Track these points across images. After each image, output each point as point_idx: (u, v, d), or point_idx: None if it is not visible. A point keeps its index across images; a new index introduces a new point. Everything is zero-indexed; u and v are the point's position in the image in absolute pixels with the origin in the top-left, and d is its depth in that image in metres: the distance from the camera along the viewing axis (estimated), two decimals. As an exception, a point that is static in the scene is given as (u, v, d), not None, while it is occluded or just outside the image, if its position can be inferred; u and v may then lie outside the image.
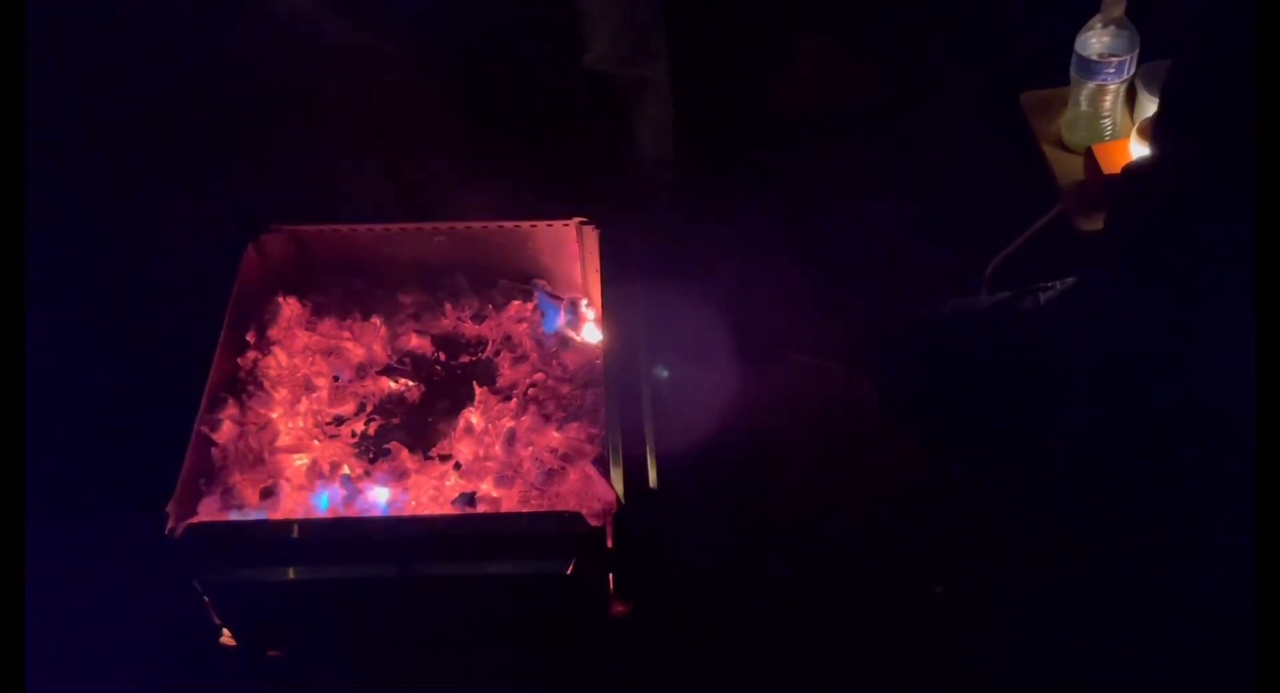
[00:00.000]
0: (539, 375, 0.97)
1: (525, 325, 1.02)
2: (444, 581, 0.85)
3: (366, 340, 1.01)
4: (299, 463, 0.93)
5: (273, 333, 1.00)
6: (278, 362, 0.98)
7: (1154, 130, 0.83)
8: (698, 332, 1.15)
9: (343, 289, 1.04)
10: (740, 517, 1.05)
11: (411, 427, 0.96)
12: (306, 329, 1.02)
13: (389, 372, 1.00)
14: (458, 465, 0.92)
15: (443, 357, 1.01)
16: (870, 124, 1.34)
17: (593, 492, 0.87)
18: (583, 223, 1.00)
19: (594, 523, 0.81)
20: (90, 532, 0.98)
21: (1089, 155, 1.02)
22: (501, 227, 1.02)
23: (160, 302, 1.09)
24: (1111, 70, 1.01)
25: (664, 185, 1.27)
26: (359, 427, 0.96)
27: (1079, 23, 1.01)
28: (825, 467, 1.09)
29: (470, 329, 1.03)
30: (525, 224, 1.02)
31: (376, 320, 1.02)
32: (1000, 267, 1.15)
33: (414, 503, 0.89)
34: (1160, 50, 1.02)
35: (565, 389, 0.96)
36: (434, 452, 0.94)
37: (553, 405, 0.95)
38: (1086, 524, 0.95)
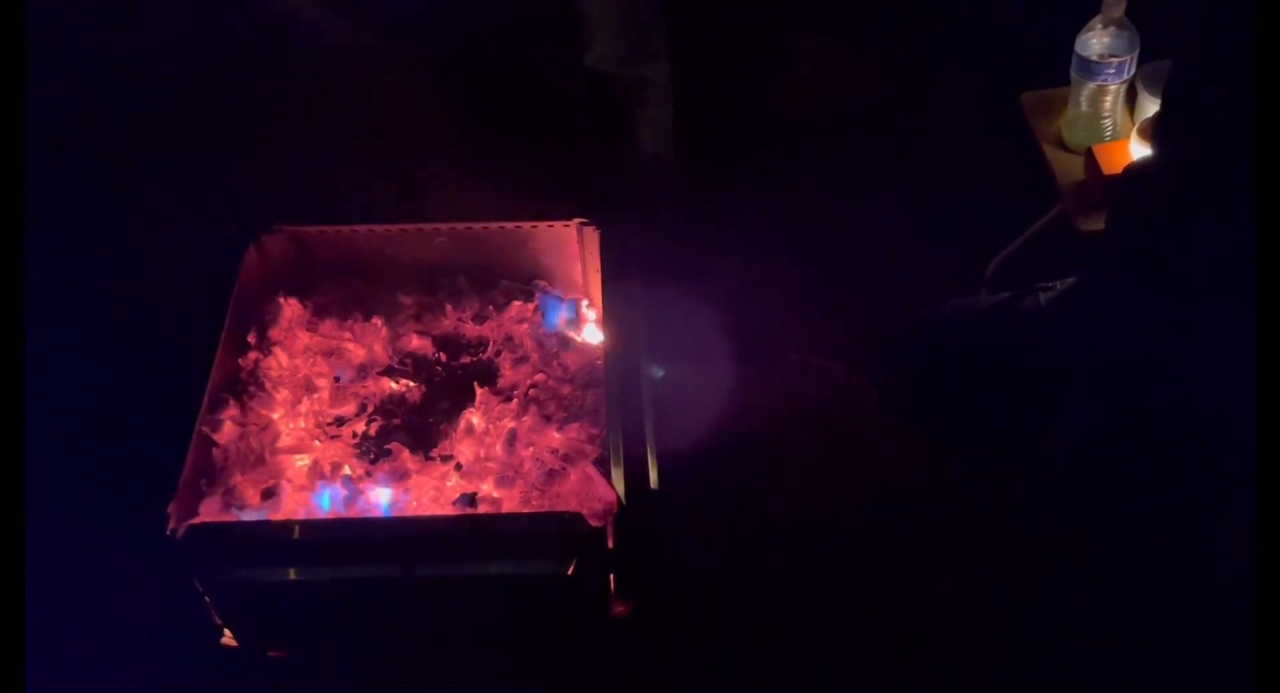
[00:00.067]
0: (540, 376, 0.97)
1: (526, 326, 1.02)
2: (445, 581, 0.85)
3: (367, 341, 1.01)
4: (300, 464, 0.93)
5: (274, 334, 1.00)
6: (279, 362, 0.98)
7: (1156, 131, 0.83)
8: (698, 332, 1.15)
9: (344, 290, 1.04)
10: (740, 517, 1.05)
11: (412, 427, 0.96)
12: (307, 330, 1.02)
13: (390, 372, 1.00)
14: (459, 466, 0.93)
15: (444, 357, 1.01)
16: (871, 124, 1.34)
17: (593, 492, 0.87)
18: (583, 223, 1.01)
19: (595, 523, 0.81)
20: (91, 532, 0.98)
21: (1089, 156, 1.02)
22: (502, 227, 1.02)
23: (161, 302, 1.09)
24: (1112, 71, 1.01)
25: (665, 186, 1.27)
26: (360, 427, 0.96)
27: (1079, 23, 1.01)
28: (825, 467, 1.09)
29: (471, 330, 1.03)
30: (526, 225, 1.02)
31: (377, 321, 1.02)
32: (1000, 267, 1.15)
33: (415, 503, 0.89)
34: (1160, 51, 1.02)
35: (566, 390, 0.96)
36: (435, 452, 0.94)
37: (553, 406, 0.95)
38: (1086, 524, 0.95)
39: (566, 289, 1.05)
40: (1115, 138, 1.05)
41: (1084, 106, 1.05)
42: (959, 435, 1.03)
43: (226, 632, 0.90)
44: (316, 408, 0.96)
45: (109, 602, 0.96)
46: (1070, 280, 0.94)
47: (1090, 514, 0.95)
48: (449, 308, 1.04)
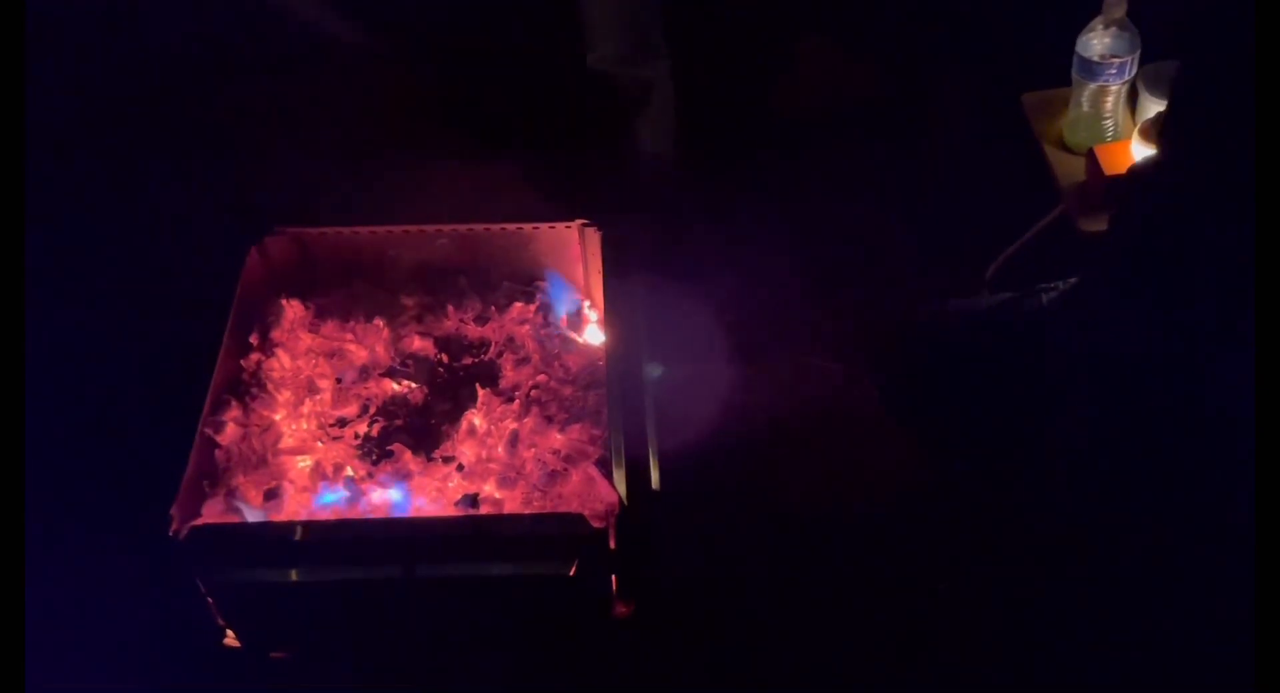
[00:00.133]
0: (541, 377, 0.98)
1: (528, 327, 1.02)
2: (447, 582, 0.85)
3: (369, 342, 1.01)
4: (302, 465, 0.93)
5: (276, 335, 1.00)
6: (281, 364, 0.98)
7: (1160, 132, 0.83)
8: (700, 332, 1.15)
9: (345, 291, 1.04)
10: (742, 517, 1.05)
11: (414, 428, 0.96)
12: (309, 331, 1.02)
13: (392, 374, 1.00)
14: (460, 467, 0.93)
15: (445, 359, 1.02)
16: (872, 125, 1.34)
17: (595, 493, 0.87)
18: (585, 224, 1.01)
19: (596, 524, 0.81)
20: (94, 534, 0.98)
21: (1090, 156, 1.02)
22: (504, 228, 1.02)
23: (163, 304, 1.10)
24: (1113, 71, 1.01)
25: (666, 186, 1.27)
26: (362, 428, 0.96)
27: (1080, 24, 1.01)
28: (826, 467, 1.09)
29: (473, 331, 1.03)
30: (528, 226, 1.02)
31: (379, 322, 1.03)
32: (1002, 267, 1.15)
33: (417, 504, 0.89)
34: (1161, 52, 1.03)
35: (568, 391, 0.96)
36: (437, 453, 0.94)
37: (555, 407, 0.95)
38: (1086, 524, 0.96)
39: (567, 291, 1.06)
40: (1116, 138, 1.05)
41: (1085, 107, 1.05)
42: (960, 435, 1.03)
43: (229, 633, 0.90)
44: (318, 409, 0.97)
45: (111, 603, 0.96)
46: (1072, 281, 0.94)
47: (1090, 514, 0.95)
48: (450, 309, 1.04)
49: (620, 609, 0.90)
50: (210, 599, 0.86)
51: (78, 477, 1.02)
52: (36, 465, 0.81)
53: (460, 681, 0.92)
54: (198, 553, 0.82)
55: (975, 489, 1.04)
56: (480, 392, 0.96)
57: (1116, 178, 0.99)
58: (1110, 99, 1.04)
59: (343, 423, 0.96)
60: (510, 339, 1.02)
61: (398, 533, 0.85)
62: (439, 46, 1.12)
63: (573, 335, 1.01)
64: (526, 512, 0.88)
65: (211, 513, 0.87)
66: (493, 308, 1.04)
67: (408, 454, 0.93)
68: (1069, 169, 1.06)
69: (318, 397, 0.97)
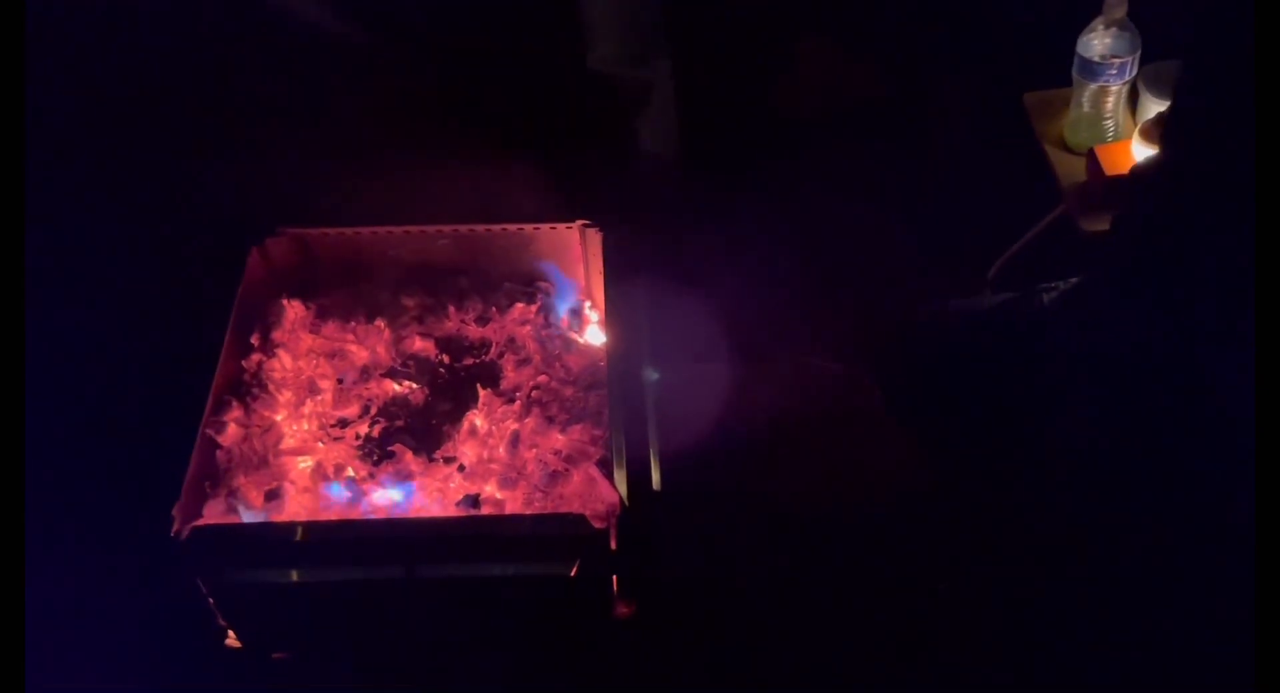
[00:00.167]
0: (542, 378, 0.98)
1: (529, 328, 1.03)
2: (448, 582, 0.86)
3: (370, 343, 1.01)
4: (303, 465, 0.93)
5: (277, 336, 1.00)
6: (282, 364, 0.98)
7: (1162, 132, 0.83)
8: (701, 333, 1.15)
9: (346, 292, 1.04)
10: (742, 517, 1.05)
11: (415, 429, 0.96)
12: (310, 332, 1.02)
13: (393, 374, 1.00)
14: (461, 468, 0.93)
15: (446, 359, 1.02)
16: (872, 125, 1.34)
17: (596, 494, 0.87)
18: (586, 225, 1.01)
19: (597, 525, 0.81)
20: (95, 534, 0.98)
21: (1091, 156, 1.02)
22: (505, 229, 1.02)
23: (165, 304, 1.10)
24: (1113, 72, 1.01)
25: (667, 187, 1.27)
26: (363, 429, 0.96)
27: (1081, 24, 1.01)
28: (827, 467, 1.10)
29: (474, 332, 1.03)
30: (529, 227, 1.02)
31: (380, 323, 1.03)
32: (1004, 267, 1.15)
33: (418, 505, 0.90)
34: (1162, 52, 1.03)
35: (569, 391, 0.97)
36: (438, 454, 0.94)
37: (556, 408, 0.95)
38: (1086, 524, 0.96)
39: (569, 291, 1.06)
40: (1117, 139, 1.05)
41: (1086, 107, 1.05)
42: (961, 435, 1.03)
43: (230, 633, 0.91)
44: (320, 410, 0.97)
45: (112, 603, 0.96)
46: (1073, 281, 0.94)
47: (1090, 514, 0.95)
48: (451, 310, 1.04)
49: (621, 610, 0.90)
50: (211, 600, 0.87)
51: (79, 477, 1.02)
52: (38, 466, 0.81)
53: (461, 681, 0.92)
54: (199, 554, 0.82)
55: (975, 489, 1.04)
56: (481, 392, 0.97)
57: (1117, 178, 0.99)
58: (1111, 99, 1.04)
59: (344, 424, 0.97)
60: (511, 340, 1.02)
61: (399, 534, 0.85)
62: (439, 46, 1.12)
63: (574, 336, 1.02)
64: (527, 512, 0.88)
65: (213, 514, 0.87)
66: (494, 309, 1.04)
67: (409, 455, 0.93)
68: (1070, 169, 1.06)
69: (319, 397, 0.97)
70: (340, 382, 0.99)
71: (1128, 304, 0.85)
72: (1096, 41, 1.01)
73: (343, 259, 1.04)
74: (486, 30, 1.11)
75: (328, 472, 0.92)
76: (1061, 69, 1.05)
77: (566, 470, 0.91)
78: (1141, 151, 0.99)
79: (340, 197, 1.06)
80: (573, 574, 0.83)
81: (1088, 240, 1.01)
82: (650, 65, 1.18)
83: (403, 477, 0.91)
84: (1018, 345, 0.96)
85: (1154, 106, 1.03)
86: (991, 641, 0.96)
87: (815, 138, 1.33)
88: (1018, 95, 1.12)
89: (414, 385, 0.99)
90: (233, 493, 0.89)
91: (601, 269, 1.00)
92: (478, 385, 0.97)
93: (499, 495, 0.90)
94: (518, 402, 0.96)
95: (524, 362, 1.00)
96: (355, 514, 0.89)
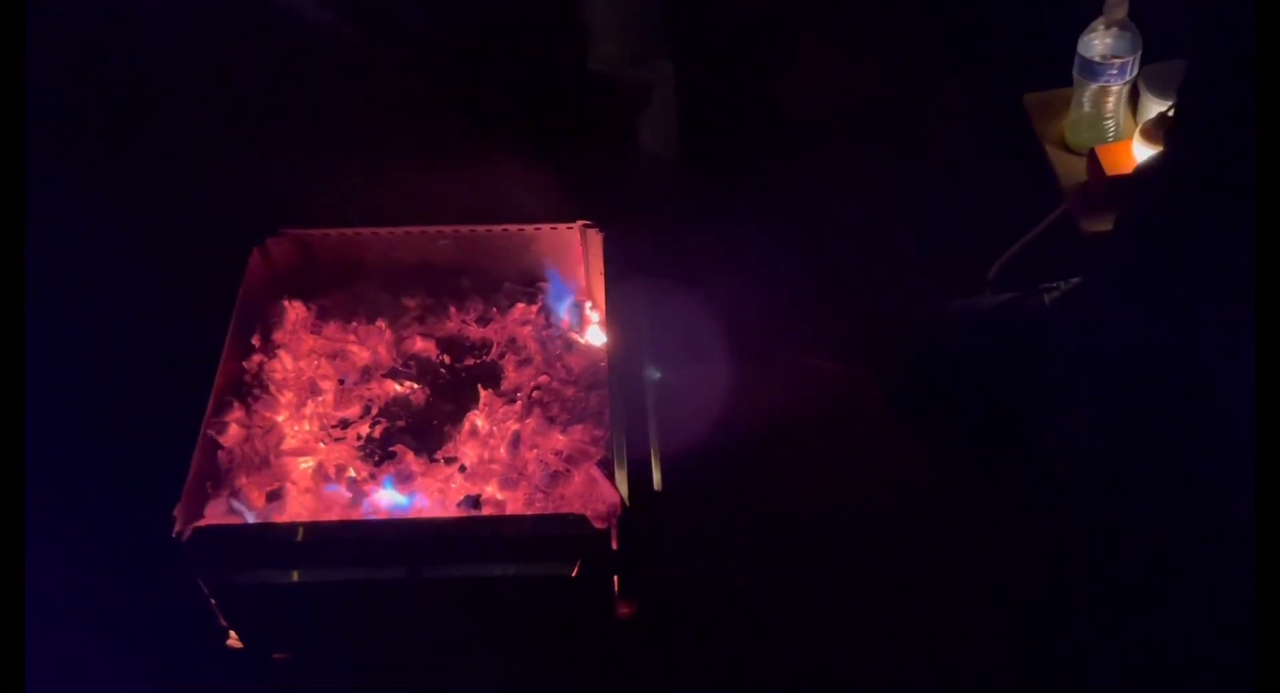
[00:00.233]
0: (543, 378, 0.98)
1: (530, 328, 1.03)
2: (449, 583, 0.86)
3: (371, 343, 1.01)
4: (305, 466, 0.93)
5: (278, 336, 1.00)
6: (283, 365, 0.98)
7: (1168, 132, 0.83)
8: (701, 333, 1.15)
9: (347, 292, 1.05)
10: (743, 518, 1.06)
11: (417, 430, 0.96)
12: (311, 332, 1.02)
13: (394, 375, 1.00)
14: (463, 468, 0.93)
15: (447, 360, 1.02)
16: (873, 125, 1.34)
17: (597, 494, 0.87)
18: (586, 226, 1.01)
19: (599, 525, 0.81)
20: (97, 535, 0.98)
21: (1092, 157, 1.02)
22: (505, 229, 1.02)
23: (166, 305, 1.10)
24: (1114, 72, 1.01)
25: (667, 187, 1.27)
26: (364, 430, 0.96)
27: (1082, 24, 1.01)
28: (828, 467, 1.10)
29: (475, 332, 1.04)
30: (529, 227, 1.02)
31: (381, 324, 1.03)
32: (1004, 267, 1.15)
33: (419, 506, 0.90)
34: (1163, 52, 1.03)
35: (570, 392, 0.97)
36: (439, 454, 0.94)
37: (557, 408, 0.95)
38: (1086, 524, 0.96)
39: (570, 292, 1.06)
40: (1118, 139, 1.05)
41: (1086, 108, 1.05)
42: (961, 435, 1.03)
43: (232, 634, 0.91)
44: (321, 410, 0.97)
45: (114, 604, 0.97)
46: (1074, 281, 0.94)
47: (1090, 514, 0.95)
48: (453, 310, 1.04)
49: (622, 610, 0.90)
50: (213, 600, 0.87)
51: (81, 478, 1.02)
52: (40, 467, 0.81)
53: (462, 681, 0.93)
54: (200, 554, 0.82)
55: (975, 489, 1.04)
56: (482, 393, 0.97)
57: (1118, 178, 0.99)
58: (1112, 99, 1.04)
59: (345, 424, 0.97)
60: (512, 340, 1.02)
61: (400, 534, 0.85)
62: (439, 46, 1.12)
63: (575, 336, 1.02)
64: (529, 513, 0.88)
65: (214, 514, 0.87)
66: (494, 309, 1.04)
67: (410, 455, 0.93)
68: (1070, 169, 1.06)
69: (320, 398, 0.97)
70: (341, 382, 0.99)
71: (1128, 304, 0.85)
72: (1097, 41, 1.01)
73: (344, 260, 1.04)
74: (486, 30, 1.11)
75: (329, 472, 0.92)
76: (1062, 69, 1.05)
77: (567, 471, 0.91)
78: (1142, 152, 0.99)
79: (341, 197, 1.06)
80: (574, 575, 0.83)
81: (1088, 241, 1.01)
82: (650, 66, 1.18)
83: (404, 478, 0.91)
84: (1018, 345, 0.96)
85: (1155, 107, 1.03)
86: (991, 641, 0.96)
87: (815, 138, 1.33)
88: (1018, 95, 1.12)
89: (415, 386, 1.00)
90: (234, 494, 0.89)
91: (602, 269, 1.00)
92: (479, 386, 0.97)
93: (500, 496, 0.90)
94: (519, 402, 0.96)
95: (525, 362, 1.00)
96: (356, 515, 0.89)
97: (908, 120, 1.34)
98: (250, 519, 0.87)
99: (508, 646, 0.93)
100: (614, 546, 0.83)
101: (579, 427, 0.93)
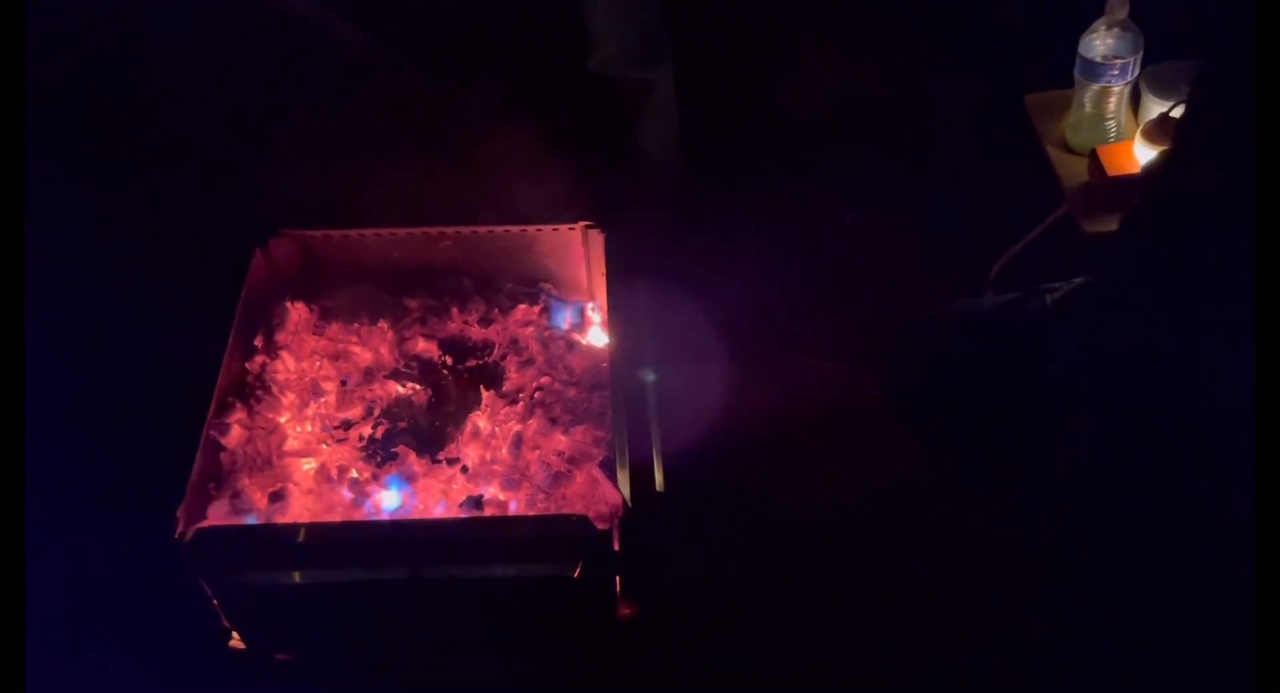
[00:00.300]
0: (545, 379, 0.98)
1: (531, 329, 1.03)
2: (451, 584, 0.86)
3: (374, 345, 1.02)
4: (307, 467, 0.93)
5: (280, 338, 1.00)
6: (285, 366, 0.98)
7: (1179, 133, 0.83)
8: (703, 334, 1.15)
9: (350, 294, 1.05)
10: (745, 518, 1.06)
11: (419, 430, 0.96)
12: (314, 334, 1.02)
13: (396, 376, 1.00)
14: (465, 469, 0.93)
15: (449, 361, 1.02)
16: (874, 126, 1.34)
17: (599, 495, 0.87)
18: (588, 227, 1.01)
19: (601, 526, 0.81)
20: (99, 536, 0.98)
21: (1093, 157, 1.02)
22: (507, 231, 1.02)
23: (168, 307, 1.10)
24: (1115, 72, 1.01)
25: (669, 188, 1.27)
26: (366, 431, 0.96)
27: (1083, 25, 1.01)
28: (830, 468, 1.10)
29: (477, 333, 1.04)
30: (531, 228, 1.02)
31: (383, 324, 1.03)
32: (1005, 268, 1.15)
33: (422, 506, 0.90)
34: (1164, 52, 1.03)
35: (572, 393, 0.97)
36: (441, 455, 0.94)
37: (559, 409, 0.96)
38: (1087, 524, 0.96)
39: (571, 292, 1.06)
40: (1119, 139, 1.05)
41: (1088, 108, 1.05)
42: (961, 435, 1.03)
43: (234, 634, 0.91)
44: (323, 411, 0.97)
45: (117, 604, 0.97)
46: (1076, 281, 0.94)
47: (1090, 514, 0.95)
48: (454, 311, 1.04)
49: (624, 610, 0.90)
50: (215, 601, 0.87)
51: (84, 480, 1.02)
52: (43, 469, 0.81)
53: (464, 682, 0.93)
54: (203, 555, 0.82)
55: (975, 489, 1.04)
56: (484, 394, 0.97)
57: (1120, 179, 0.99)
58: (1113, 100, 1.04)
59: (347, 425, 0.97)
60: (514, 341, 1.02)
61: (402, 535, 0.85)
62: (440, 47, 1.12)
63: (576, 337, 1.02)
64: (530, 514, 0.88)
65: (217, 515, 0.87)
66: (496, 310, 1.04)
67: (412, 456, 0.93)
68: (1072, 170, 1.06)
69: (322, 399, 0.97)
70: (344, 383, 0.99)
71: (1129, 305, 0.85)
72: (1098, 42, 1.01)
73: (346, 261, 1.04)
74: (487, 31, 1.11)
75: (331, 473, 0.92)
76: (1063, 70, 1.05)
77: (569, 472, 0.91)
78: (1144, 152, 0.99)
79: (343, 198, 1.06)
80: (576, 575, 0.83)
81: (1089, 241, 1.01)
82: (651, 67, 1.18)
83: (406, 478, 0.92)
84: (1019, 346, 0.96)
85: (1156, 107, 1.03)
86: (991, 641, 0.96)
87: (815, 138, 1.33)
88: (1018, 96, 1.12)
89: (417, 387, 1.00)
90: (237, 495, 0.89)
91: (604, 270, 1.00)
92: (481, 387, 0.97)
93: (502, 497, 0.90)
94: (521, 403, 0.96)
95: (527, 363, 1.00)
96: (358, 516, 0.89)
97: (908, 120, 1.34)
98: (252, 520, 0.87)
99: (510, 646, 0.93)
100: (616, 546, 0.83)
101: (581, 428, 0.93)
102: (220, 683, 0.93)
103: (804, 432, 1.13)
